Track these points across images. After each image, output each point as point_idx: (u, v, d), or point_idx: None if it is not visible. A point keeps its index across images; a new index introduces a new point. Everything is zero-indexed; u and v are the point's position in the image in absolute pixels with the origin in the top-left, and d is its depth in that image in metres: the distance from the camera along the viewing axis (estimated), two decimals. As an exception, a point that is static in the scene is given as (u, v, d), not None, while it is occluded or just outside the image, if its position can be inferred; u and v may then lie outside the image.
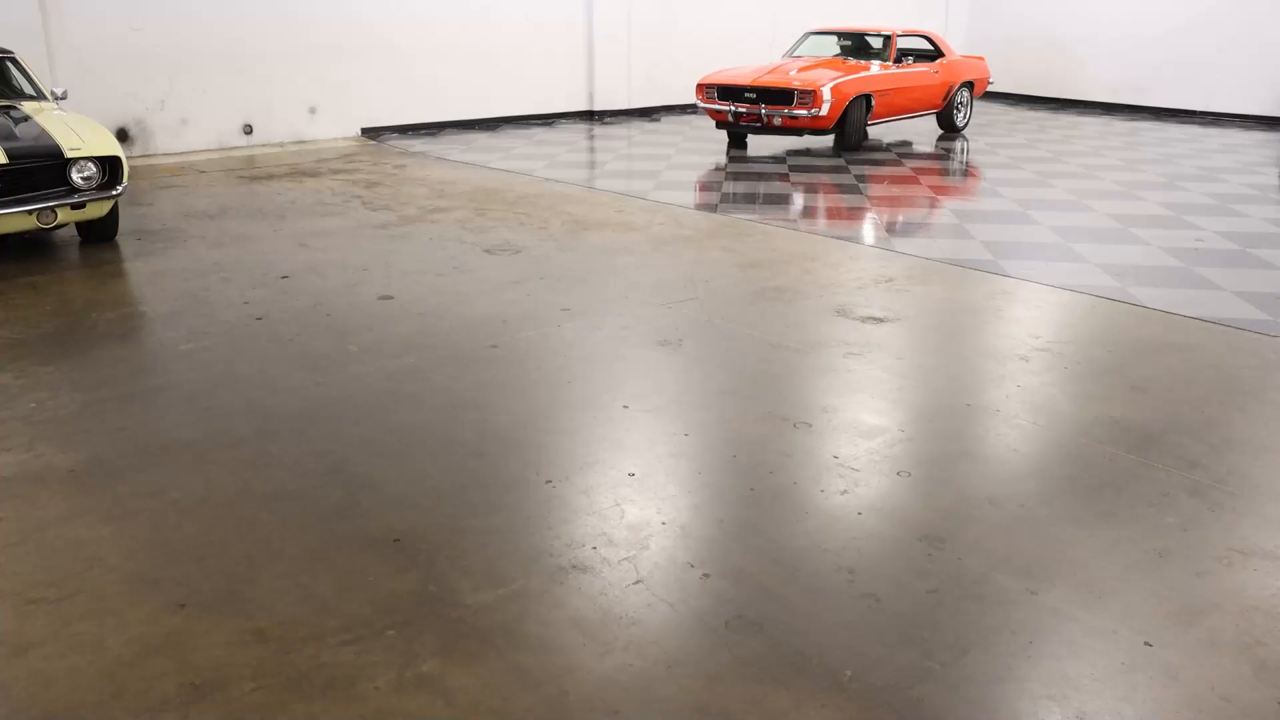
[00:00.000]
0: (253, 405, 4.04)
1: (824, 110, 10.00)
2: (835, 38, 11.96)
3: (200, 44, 10.19)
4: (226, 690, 2.38)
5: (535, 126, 12.71)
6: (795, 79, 10.28)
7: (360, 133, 11.62)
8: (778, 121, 10.23)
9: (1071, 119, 14.33)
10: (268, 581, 2.82)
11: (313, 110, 11.19)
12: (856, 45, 11.76)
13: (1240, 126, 13.60)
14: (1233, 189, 8.91)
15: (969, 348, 4.82)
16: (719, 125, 11.00)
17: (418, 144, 11.18)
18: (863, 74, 10.60)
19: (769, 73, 10.57)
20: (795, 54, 11.83)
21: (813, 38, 12.11)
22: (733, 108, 10.41)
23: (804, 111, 10.04)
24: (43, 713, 2.31)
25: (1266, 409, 4.09)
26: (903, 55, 11.46)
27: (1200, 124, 13.81)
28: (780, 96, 10.19)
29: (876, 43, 11.63)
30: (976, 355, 4.72)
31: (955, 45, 17.44)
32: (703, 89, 10.82)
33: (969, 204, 8.19)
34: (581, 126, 12.89)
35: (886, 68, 10.99)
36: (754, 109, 10.25)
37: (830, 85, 10.07)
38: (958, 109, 12.17)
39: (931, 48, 12.04)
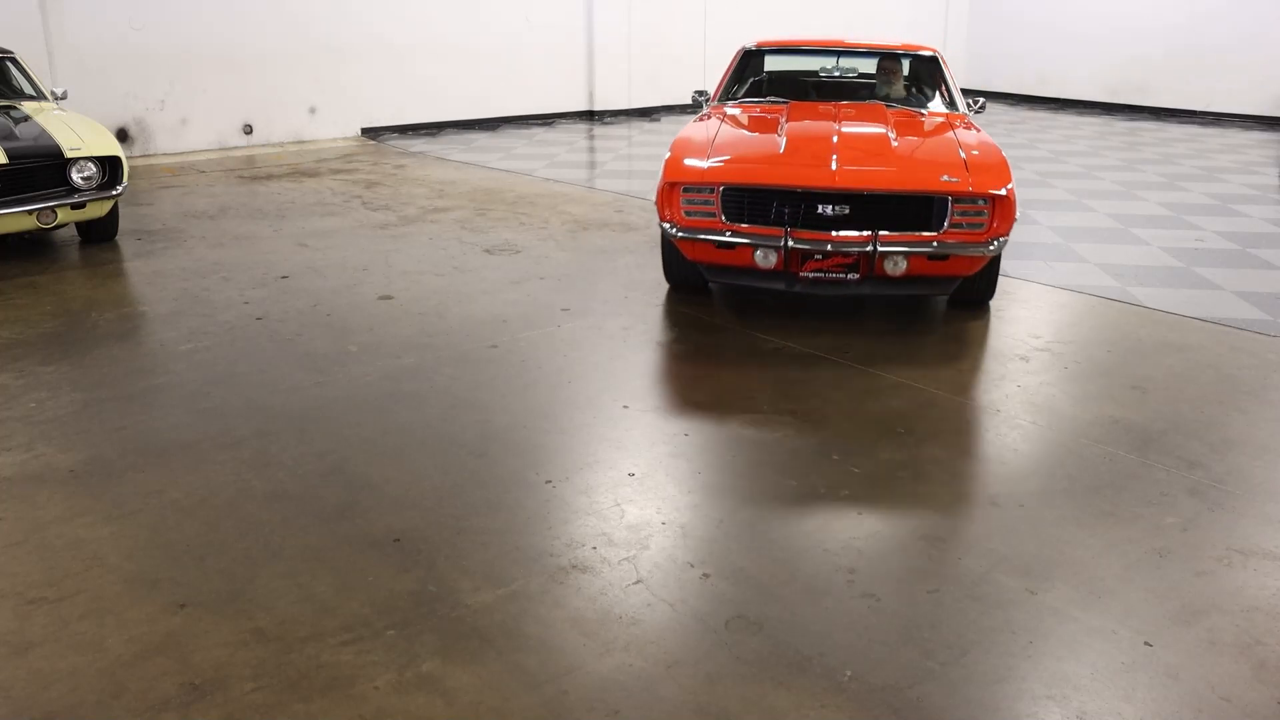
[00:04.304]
0: (252, 405, 4.04)
1: (1007, 237, 4.71)
2: (827, 59, 7.12)
3: (200, 44, 10.19)
4: (226, 690, 2.38)
5: (535, 126, 12.71)
6: (947, 168, 4.74)
7: (360, 133, 11.62)
8: (901, 267, 4.66)
9: (1071, 119, 14.33)
10: (268, 581, 2.82)
11: (312, 110, 11.19)
12: (854, 78, 6.93)
13: (1240, 126, 13.59)
14: (1233, 189, 8.91)
15: (969, 348, 4.82)
16: (715, 273, 4.98)
17: (418, 144, 11.18)
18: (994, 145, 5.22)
19: (851, 156, 4.84)
20: (730, 98, 6.39)
21: (764, 59, 6.82)
22: (786, 240, 4.63)
23: (968, 243, 4.64)
24: (43, 713, 2.31)
25: (1266, 409, 4.09)
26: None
27: (1200, 124, 13.81)
28: (904, 211, 4.69)
29: (884, 72, 6.54)
30: (977, 355, 4.72)
31: (956, 46, 17.46)
32: (680, 195, 4.82)
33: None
34: (581, 126, 12.89)
35: (966, 123, 5.73)
36: (847, 241, 4.62)
37: (1012, 182, 4.77)
38: None
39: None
